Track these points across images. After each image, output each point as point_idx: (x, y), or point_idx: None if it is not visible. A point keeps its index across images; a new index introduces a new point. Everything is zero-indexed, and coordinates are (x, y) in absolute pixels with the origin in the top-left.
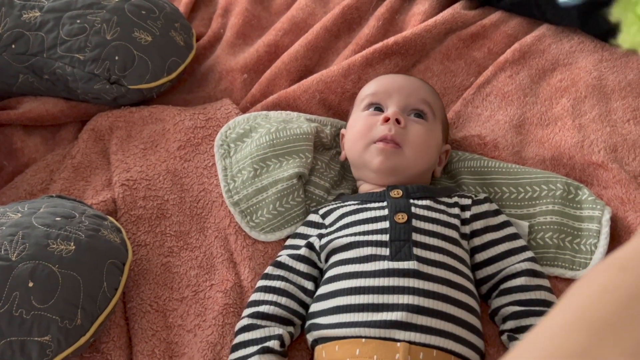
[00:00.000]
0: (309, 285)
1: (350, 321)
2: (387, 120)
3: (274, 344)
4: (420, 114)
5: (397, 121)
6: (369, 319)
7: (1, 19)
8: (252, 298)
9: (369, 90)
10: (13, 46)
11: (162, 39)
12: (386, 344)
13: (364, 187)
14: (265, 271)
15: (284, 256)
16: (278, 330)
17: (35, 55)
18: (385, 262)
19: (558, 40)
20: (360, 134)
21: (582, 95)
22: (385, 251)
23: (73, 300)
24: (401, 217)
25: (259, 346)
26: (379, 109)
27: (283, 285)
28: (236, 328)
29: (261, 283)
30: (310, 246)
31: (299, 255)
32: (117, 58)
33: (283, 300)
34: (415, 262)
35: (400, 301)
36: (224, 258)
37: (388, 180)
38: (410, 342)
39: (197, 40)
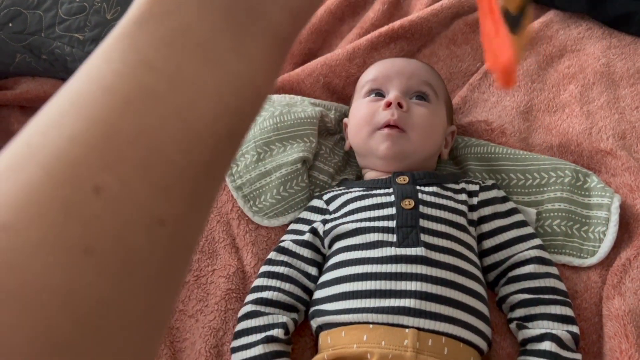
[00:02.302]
0: (312, 271)
1: (357, 307)
2: (389, 105)
3: (278, 332)
4: (422, 96)
5: (400, 105)
6: (377, 305)
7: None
8: (255, 284)
9: (368, 76)
10: (10, 25)
11: None
12: (394, 330)
13: (370, 175)
14: (269, 256)
15: (287, 241)
16: (282, 317)
17: (32, 34)
18: (393, 248)
19: (566, 26)
20: (364, 121)
21: (590, 82)
22: (393, 237)
23: None
24: (408, 203)
25: (263, 335)
26: (380, 94)
27: (286, 271)
28: (239, 314)
29: (264, 269)
30: (314, 232)
31: (303, 240)
32: None
33: (287, 286)
34: (423, 248)
35: (409, 288)
36: (226, 243)
37: (395, 166)
38: (419, 329)
39: None
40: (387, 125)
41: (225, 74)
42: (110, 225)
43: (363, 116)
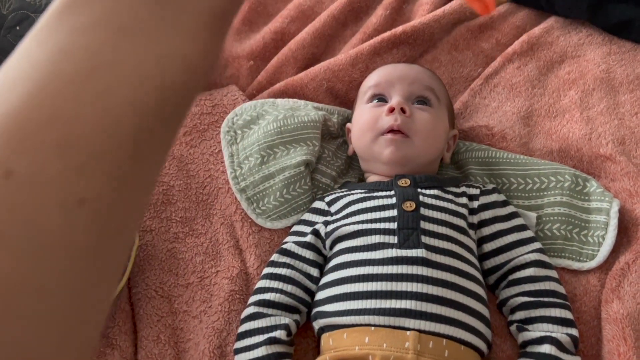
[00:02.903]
0: (314, 272)
1: (358, 308)
2: (392, 110)
3: (280, 334)
4: (424, 101)
5: (403, 110)
6: (378, 306)
7: (6, 0)
8: (257, 285)
9: (371, 82)
10: (17, 28)
11: None
12: (396, 333)
13: (372, 179)
14: (271, 258)
15: (289, 243)
16: (284, 319)
17: None
18: (394, 250)
19: (566, 33)
20: (367, 126)
21: (590, 88)
22: (394, 239)
23: None
24: (409, 206)
25: (266, 336)
26: (382, 99)
27: (289, 272)
28: (242, 316)
29: (267, 270)
30: (316, 233)
31: (305, 242)
32: None
33: (289, 287)
34: (424, 250)
35: (409, 289)
36: (230, 245)
37: (398, 171)
38: (420, 331)
39: None
40: (391, 131)
41: (151, 53)
42: (21, 208)
43: (366, 122)
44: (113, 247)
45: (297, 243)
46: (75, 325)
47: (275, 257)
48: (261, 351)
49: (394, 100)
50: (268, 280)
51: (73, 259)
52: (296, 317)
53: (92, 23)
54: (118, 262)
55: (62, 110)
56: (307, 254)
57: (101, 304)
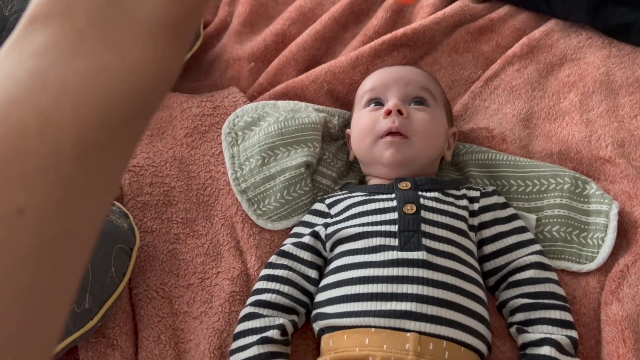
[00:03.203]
0: (312, 273)
1: (359, 310)
2: (389, 113)
3: (273, 333)
4: (421, 101)
5: (400, 112)
6: (379, 308)
7: (8, 2)
8: (255, 286)
9: (366, 86)
10: None
11: None
12: (396, 334)
13: (373, 181)
14: (270, 260)
15: (288, 245)
16: (279, 319)
17: None
18: (395, 252)
19: (566, 35)
20: (366, 131)
21: (590, 91)
22: (394, 241)
23: (81, 284)
24: (410, 208)
25: (259, 336)
26: (379, 103)
27: (286, 273)
28: (239, 317)
29: (265, 272)
30: (315, 235)
31: (303, 243)
32: None
33: (286, 288)
34: (424, 252)
35: (410, 291)
36: (231, 246)
37: (399, 173)
38: (420, 332)
39: (204, 28)
40: (390, 133)
41: (94, 69)
42: None
43: (364, 126)
44: (65, 248)
45: (295, 244)
46: (28, 325)
47: (273, 258)
48: (253, 351)
49: (391, 103)
50: (265, 282)
51: (19, 262)
52: (293, 317)
53: (40, 48)
54: (75, 262)
55: (7, 128)
56: (305, 255)
57: (58, 303)
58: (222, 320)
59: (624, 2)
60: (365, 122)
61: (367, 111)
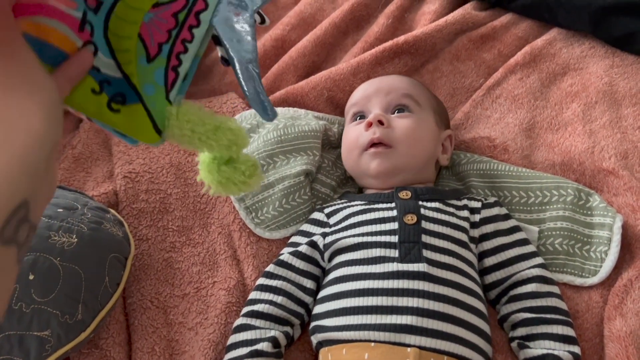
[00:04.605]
0: (308, 283)
1: (358, 324)
2: (370, 125)
3: (265, 346)
4: (403, 109)
5: (381, 122)
6: (378, 322)
7: None
8: (250, 297)
9: (351, 101)
10: None
11: None
12: (396, 349)
13: (371, 191)
14: (266, 269)
15: (285, 254)
16: (271, 331)
17: None
18: (395, 264)
19: (569, 45)
20: (351, 145)
21: (593, 101)
22: (395, 253)
23: (74, 294)
24: (410, 219)
25: (250, 349)
26: (363, 116)
27: (281, 284)
28: (232, 327)
29: (260, 281)
30: (312, 244)
31: (299, 252)
32: None
33: (279, 299)
34: (425, 264)
35: (410, 304)
36: (227, 255)
37: (391, 182)
38: (420, 347)
39: None
40: (373, 144)
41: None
42: None
43: (350, 140)
44: None
45: (291, 253)
46: None
47: (270, 268)
48: None
49: (371, 115)
50: (259, 292)
51: None
52: (286, 329)
53: None
54: None
55: None
56: (301, 264)
57: None
58: (218, 332)
59: (628, 11)
60: (350, 137)
61: (352, 125)
